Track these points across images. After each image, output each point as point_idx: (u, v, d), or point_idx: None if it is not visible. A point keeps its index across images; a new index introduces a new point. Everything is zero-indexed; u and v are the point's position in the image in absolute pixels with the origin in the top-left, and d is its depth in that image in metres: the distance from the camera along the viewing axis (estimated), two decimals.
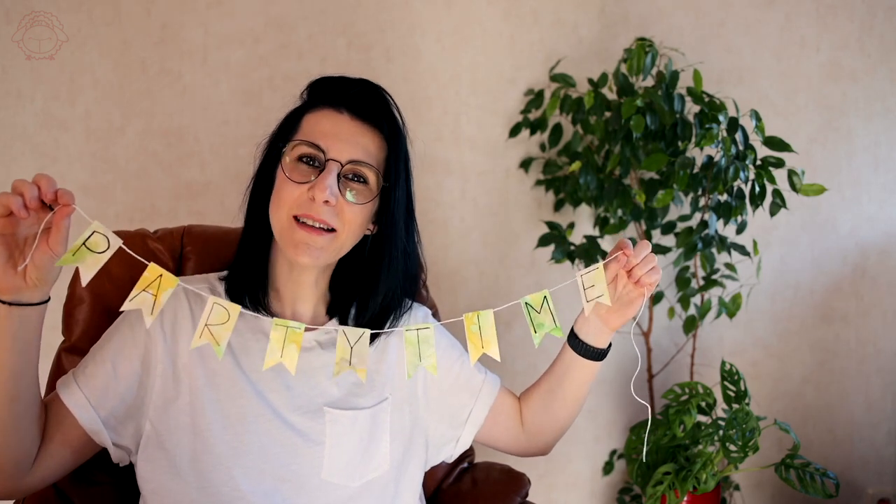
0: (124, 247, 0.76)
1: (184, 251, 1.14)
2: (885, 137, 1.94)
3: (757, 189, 1.52)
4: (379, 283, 0.98)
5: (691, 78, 1.61)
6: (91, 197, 1.65)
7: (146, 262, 0.78)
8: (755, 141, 1.56)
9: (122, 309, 0.77)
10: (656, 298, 1.79)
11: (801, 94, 1.91)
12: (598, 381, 1.90)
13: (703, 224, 1.62)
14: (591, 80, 1.66)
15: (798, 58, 1.90)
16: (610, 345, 1.01)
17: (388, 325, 1.00)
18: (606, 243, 1.75)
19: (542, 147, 1.80)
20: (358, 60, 1.72)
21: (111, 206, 1.66)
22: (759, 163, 1.54)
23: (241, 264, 0.98)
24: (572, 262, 1.70)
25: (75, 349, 1.05)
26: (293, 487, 0.91)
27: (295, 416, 0.93)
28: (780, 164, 1.52)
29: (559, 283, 0.92)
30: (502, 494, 1.17)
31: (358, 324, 1.00)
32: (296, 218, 0.89)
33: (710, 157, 1.58)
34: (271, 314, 0.96)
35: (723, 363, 1.53)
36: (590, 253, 1.66)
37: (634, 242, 0.93)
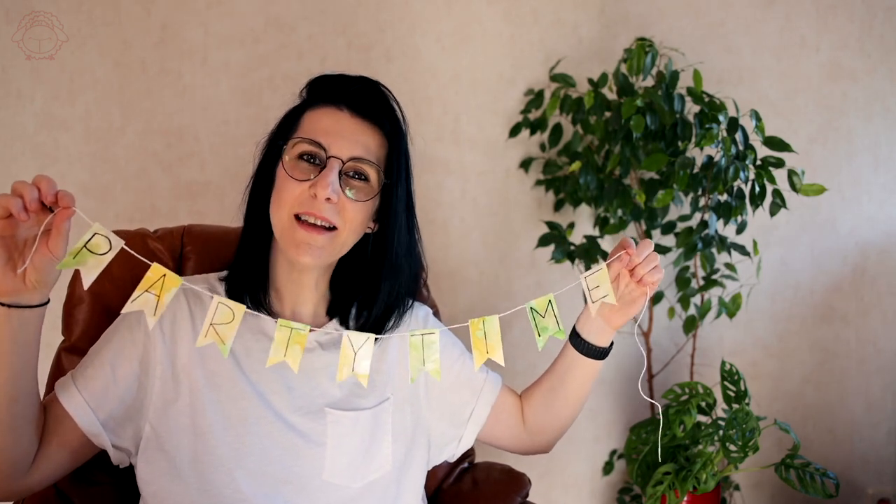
0: (126, 247, 0.75)
1: (184, 251, 1.14)
2: (885, 137, 1.94)
3: (757, 189, 1.52)
4: (381, 282, 0.98)
5: (691, 78, 1.61)
6: (91, 197, 1.65)
7: (149, 262, 0.77)
8: (755, 141, 1.56)
9: (124, 310, 0.76)
10: (656, 298, 1.79)
11: (801, 94, 1.91)
12: (599, 382, 1.90)
13: (703, 224, 1.62)
14: (591, 80, 1.66)
15: (798, 58, 1.90)
16: (612, 343, 1.01)
17: (390, 324, 1.00)
18: (606, 243, 1.75)
19: (542, 147, 1.80)
20: (358, 60, 1.72)
21: (111, 207, 1.66)
22: (759, 163, 1.54)
23: (241, 264, 0.98)
24: (572, 262, 1.70)
25: (75, 349, 1.05)
26: (294, 489, 0.91)
27: (296, 418, 0.93)
28: (780, 164, 1.52)
29: (559, 283, 0.92)
30: (503, 494, 1.17)
31: (359, 324, 1.00)
32: (297, 217, 0.88)
33: (710, 157, 1.58)
34: (272, 314, 0.96)
35: (723, 363, 1.53)
36: (590, 253, 1.66)
37: (636, 242, 0.93)
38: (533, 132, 1.74)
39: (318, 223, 0.88)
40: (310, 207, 0.87)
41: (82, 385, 0.88)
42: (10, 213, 0.69)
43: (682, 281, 1.71)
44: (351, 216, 0.90)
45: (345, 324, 1.01)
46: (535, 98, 1.74)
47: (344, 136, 0.91)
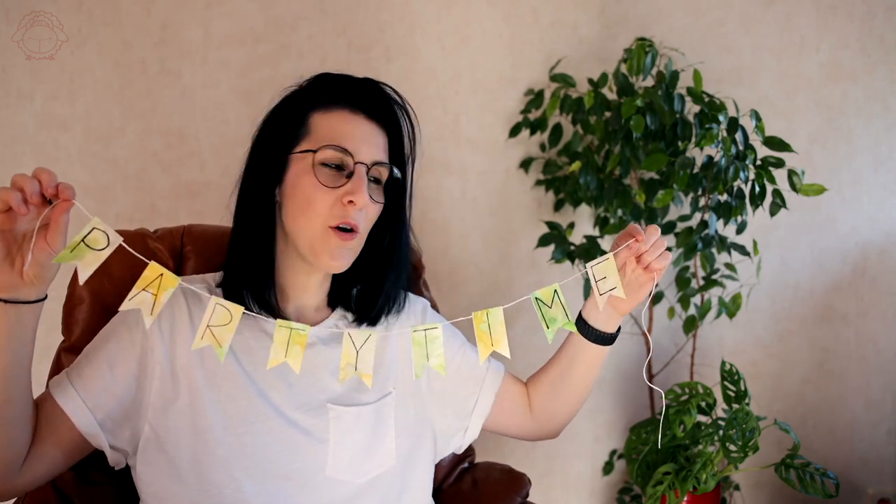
0: (124, 244, 0.74)
1: (184, 251, 1.14)
2: (885, 137, 1.94)
3: (757, 189, 1.52)
4: (387, 271, 0.99)
5: (691, 78, 1.61)
6: (91, 197, 1.65)
7: (147, 260, 0.76)
8: (755, 141, 1.56)
9: (121, 308, 0.75)
10: (656, 298, 1.79)
11: (801, 94, 1.91)
12: (598, 382, 1.90)
13: (703, 224, 1.62)
14: (591, 80, 1.66)
15: (798, 58, 1.90)
16: (619, 328, 1.01)
17: (389, 314, 1.01)
18: (606, 243, 1.75)
19: (542, 147, 1.80)
20: (358, 60, 1.72)
21: (111, 207, 1.66)
22: (759, 163, 1.54)
23: (241, 264, 0.95)
24: (572, 262, 1.70)
25: (75, 349, 1.04)
26: (297, 486, 0.91)
27: (298, 414, 0.93)
28: (780, 164, 1.52)
29: (560, 282, 0.92)
30: (503, 494, 1.17)
31: (360, 316, 1.00)
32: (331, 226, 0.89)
33: (710, 157, 1.58)
34: (275, 312, 0.94)
35: (723, 363, 1.53)
36: (590, 253, 1.66)
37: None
38: (533, 132, 1.74)
39: (348, 228, 0.90)
40: (344, 216, 0.89)
41: (80, 385, 0.87)
42: (9, 207, 0.68)
43: (682, 281, 1.71)
44: (371, 216, 0.93)
45: (346, 311, 1.02)
46: (535, 98, 1.74)
47: (366, 140, 0.92)
